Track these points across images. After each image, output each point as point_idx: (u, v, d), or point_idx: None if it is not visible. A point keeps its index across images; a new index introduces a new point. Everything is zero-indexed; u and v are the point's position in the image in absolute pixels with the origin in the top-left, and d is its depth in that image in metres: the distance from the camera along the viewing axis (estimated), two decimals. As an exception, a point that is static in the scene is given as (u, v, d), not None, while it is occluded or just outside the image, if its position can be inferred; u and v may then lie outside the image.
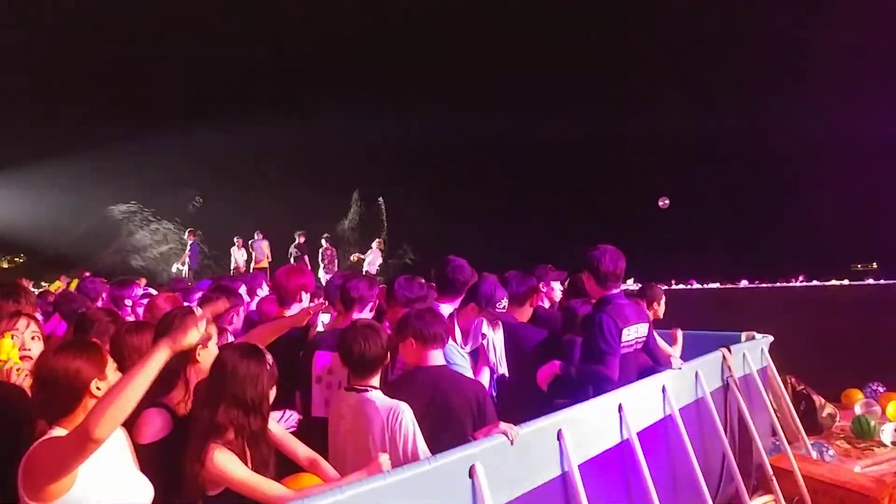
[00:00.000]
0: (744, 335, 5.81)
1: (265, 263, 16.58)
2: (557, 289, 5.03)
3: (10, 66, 23.14)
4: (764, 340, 5.65)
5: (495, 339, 3.44)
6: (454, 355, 3.08)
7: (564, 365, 3.43)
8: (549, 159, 27.87)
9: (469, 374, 3.12)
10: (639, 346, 3.75)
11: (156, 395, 2.36)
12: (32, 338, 2.76)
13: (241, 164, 25.43)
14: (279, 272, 3.76)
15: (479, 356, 3.39)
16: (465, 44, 26.74)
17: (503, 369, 3.44)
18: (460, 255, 3.61)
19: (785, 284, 13.23)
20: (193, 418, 2.28)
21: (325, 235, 17.30)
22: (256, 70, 26.77)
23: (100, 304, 5.51)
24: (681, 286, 13.75)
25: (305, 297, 3.61)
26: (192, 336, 2.01)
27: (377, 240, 18.07)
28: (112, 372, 2.05)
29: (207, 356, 2.44)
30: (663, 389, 3.66)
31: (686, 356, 5.28)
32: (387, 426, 2.47)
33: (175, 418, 2.39)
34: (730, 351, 4.75)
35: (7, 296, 3.29)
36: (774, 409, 5.52)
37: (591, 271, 3.62)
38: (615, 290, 3.65)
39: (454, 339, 3.27)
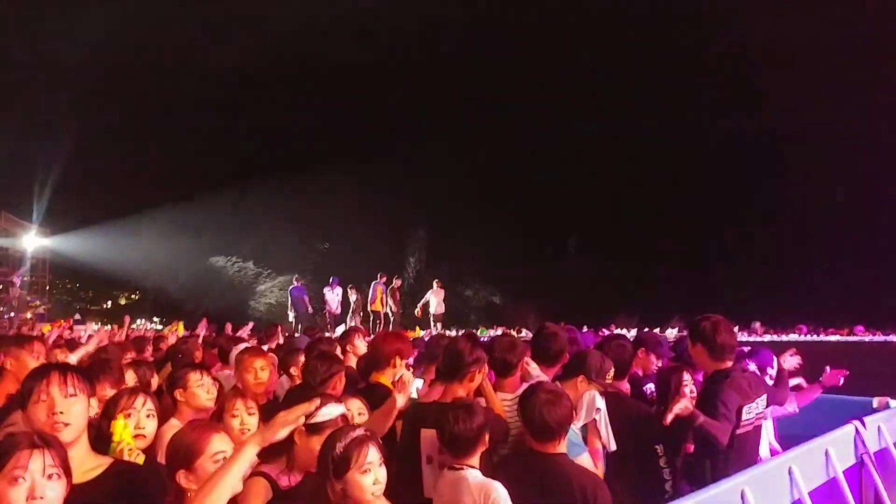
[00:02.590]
0: (875, 401, 5.25)
1: (378, 306, 16.67)
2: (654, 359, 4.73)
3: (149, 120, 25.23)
4: (901, 409, 5.05)
5: (605, 413, 3.23)
6: (570, 433, 2.93)
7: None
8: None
9: (584, 452, 3.00)
10: (759, 423, 3.45)
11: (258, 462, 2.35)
12: (148, 416, 2.79)
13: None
14: (379, 334, 3.75)
15: (588, 431, 3.18)
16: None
17: (613, 445, 3.21)
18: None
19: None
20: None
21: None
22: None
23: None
24: (784, 336, 12.73)
25: (400, 363, 3.54)
26: (282, 433, 1.98)
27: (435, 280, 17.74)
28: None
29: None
30: (790, 471, 3.28)
31: (808, 425, 4.85)
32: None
33: (276, 489, 2.37)
34: (863, 423, 4.25)
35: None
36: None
37: (704, 343, 3.38)
38: (730, 363, 3.38)
39: None
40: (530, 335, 3.78)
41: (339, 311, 17.03)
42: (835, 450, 3.79)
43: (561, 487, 2.54)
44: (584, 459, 3.02)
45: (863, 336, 12.56)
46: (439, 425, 2.64)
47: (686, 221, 26.16)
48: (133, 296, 40.40)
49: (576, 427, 3.10)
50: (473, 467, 2.56)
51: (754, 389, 3.41)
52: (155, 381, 4.12)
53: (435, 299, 17.06)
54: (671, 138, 25.15)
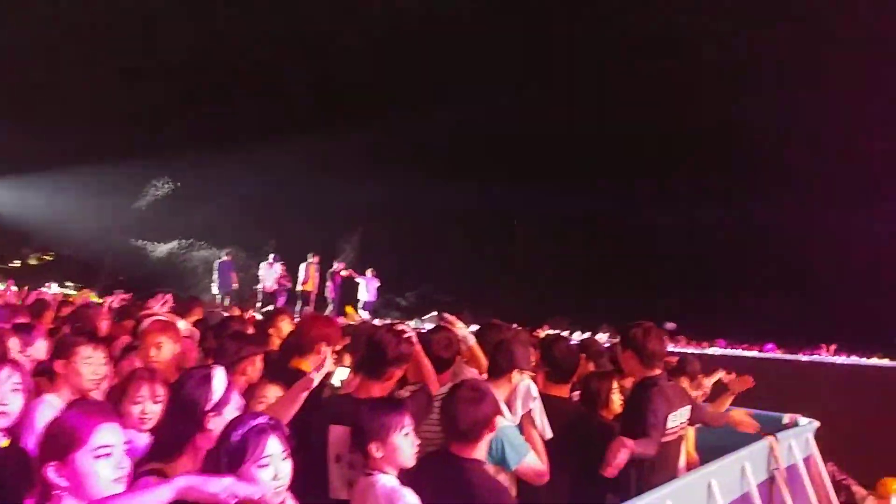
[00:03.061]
0: (786, 417, 5.42)
1: (311, 286, 16.18)
2: None
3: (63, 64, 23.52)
4: (810, 427, 5.24)
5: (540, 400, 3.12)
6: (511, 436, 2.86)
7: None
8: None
9: (529, 452, 2.88)
10: (683, 432, 3.46)
11: (158, 462, 2.10)
12: (13, 390, 2.40)
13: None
14: (306, 317, 3.52)
15: (524, 421, 3.04)
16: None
17: (549, 433, 3.10)
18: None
19: (823, 358, 12.64)
20: None
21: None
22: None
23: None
24: (696, 349, 13.11)
25: (326, 350, 3.33)
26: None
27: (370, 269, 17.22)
28: None
29: (220, 423, 2.17)
30: (709, 486, 3.29)
31: (720, 436, 4.95)
32: None
33: None
34: (776, 439, 4.35)
35: None
36: (816, 501, 5.11)
37: (634, 349, 3.36)
38: (658, 371, 3.38)
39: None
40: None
41: (275, 288, 16.35)
42: (751, 464, 3.86)
43: (461, 499, 2.41)
44: (531, 460, 2.90)
45: (775, 353, 13.17)
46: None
47: (621, 225, 26.67)
48: (46, 256, 37.82)
49: (514, 420, 2.98)
50: (386, 473, 2.33)
51: (679, 399, 3.41)
52: (44, 350, 3.68)
53: (367, 287, 16.77)
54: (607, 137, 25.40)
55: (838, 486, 6.65)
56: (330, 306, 16.76)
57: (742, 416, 4.08)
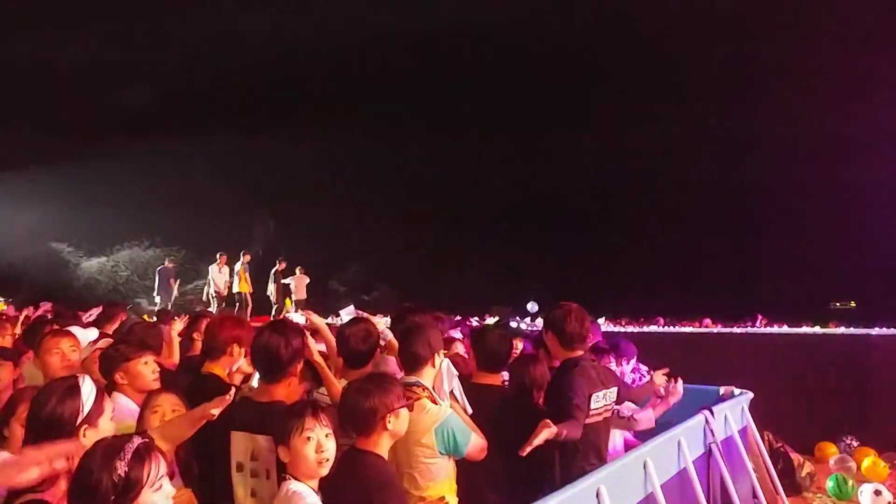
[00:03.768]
0: (722, 389, 5.47)
1: (246, 287, 15.45)
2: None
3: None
4: (744, 398, 5.30)
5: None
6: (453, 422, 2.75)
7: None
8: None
9: (472, 435, 2.78)
10: (608, 413, 3.38)
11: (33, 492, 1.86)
12: None
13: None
14: (215, 319, 3.26)
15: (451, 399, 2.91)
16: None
17: (469, 409, 2.98)
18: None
19: (756, 329, 13.02)
20: None
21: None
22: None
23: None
24: (636, 328, 13.35)
25: (239, 352, 3.10)
26: None
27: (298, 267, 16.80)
28: None
29: (96, 436, 1.94)
30: (644, 466, 3.22)
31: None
32: None
33: None
34: (712, 414, 4.36)
35: None
36: (753, 470, 5.18)
37: (555, 332, 3.30)
38: (580, 352, 3.31)
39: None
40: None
41: (226, 292, 15.58)
42: (686, 440, 3.82)
43: (356, 495, 2.26)
44: (475, 439, 2.79)
45: (711, 328, 13.50)
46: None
47: (557, 209, 26.96)
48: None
49: (445, 402, 2.84)
50: (297, 479, 2.15)
51: (604, 379, 3.33)
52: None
53: (296, 286, 16.33)
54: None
55: (776, 454, 6.84)
56: (275, 306, 16.31)
57: (663, 381, 4.02)
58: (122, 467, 1.64)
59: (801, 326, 12.32)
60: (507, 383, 3.52)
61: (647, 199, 25.42)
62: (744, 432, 5.17)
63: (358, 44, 26.00)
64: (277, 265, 16.50)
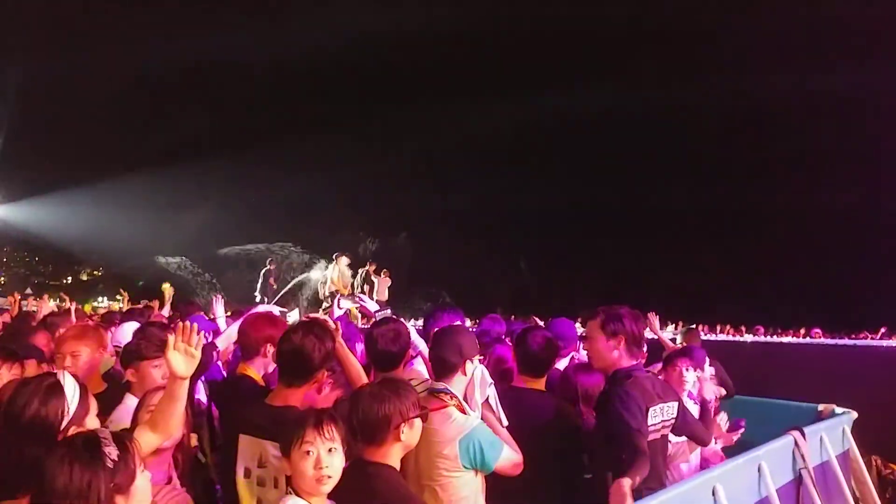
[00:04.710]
0: (821, 407, 4.89)
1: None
2: None
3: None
4: (846, 418, 4.68)
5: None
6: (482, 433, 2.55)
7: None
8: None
9: (503, 447, 2.58)
10: (667, 430, 3.01)
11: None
12: None
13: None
14: (248, 317, 3.18)
15: (484, 409, 2.70)
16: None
17: (505, 420, 2.75)
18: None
19: (867, 342, 11.81)
20: None
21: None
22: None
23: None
24: (729, 336, 12.43)
25: (272, 351, 3.01)
26: None
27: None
28: None
29: None
30: (714, 493, 2.84)
31: (748, 432, 4.47)
32: None
33: None
34: (803, 435, 3.85)
35: None
36: (857, 500, 4.57)
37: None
38: (635, 361, 2.96)
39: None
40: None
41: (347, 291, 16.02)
42: (769, 464, 3.37)
43: None
44: (507, 453, 2.59)
45: (819, 339, 12.36)
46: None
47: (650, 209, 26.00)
48: (95, 272, 38.74)
49: (476, 413, 2.64)
50: (297, 496, 1.99)
51: (661, 392, 2.97)
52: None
53: (379, 286, 16.37)
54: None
55: (885, 482, 6.08)
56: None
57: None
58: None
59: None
60: None
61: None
62: (844, 457, 4.57)
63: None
64: (368, 266, 16.82)
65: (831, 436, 4.31)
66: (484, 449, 2.51)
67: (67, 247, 28.64)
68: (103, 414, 2.76)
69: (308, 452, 1.98)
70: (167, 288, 8.14)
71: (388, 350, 2.87)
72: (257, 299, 16.87)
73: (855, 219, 22.29)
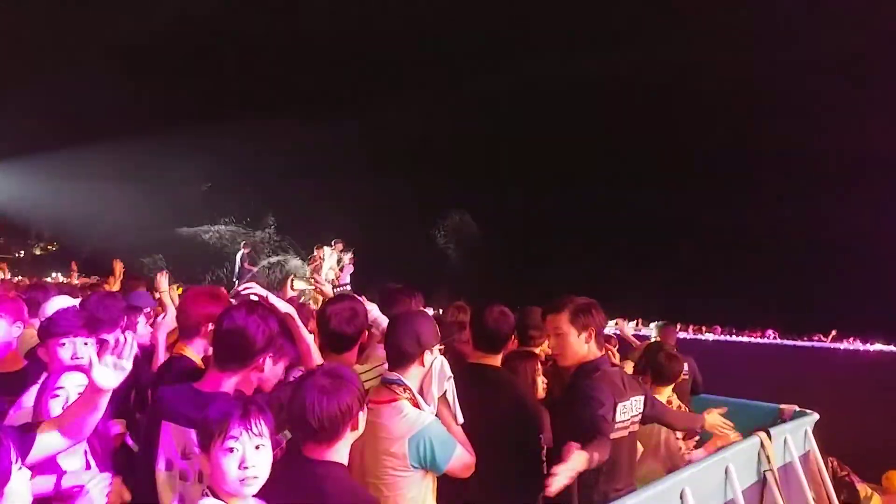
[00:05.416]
0: (782, 406, 4.84)
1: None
2: None
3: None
4: (808, 419, 4.64)
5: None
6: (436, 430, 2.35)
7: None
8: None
9: (457, 447, 2.38)
10: (635, 426, 2.87)
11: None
12: None
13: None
14: (188, 294, 2.88)
15: (439, 404, 2.48)
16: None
17: (461, 418, 2.55)
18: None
19: (825, 344, 12.01)
20: None
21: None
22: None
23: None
24: (689, 335, 12.48)
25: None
26: None
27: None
28: None
29: None
30: (682, 496, 2.69)
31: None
32: None
33: None
34: (769, 436, 3.75)
35: None
36: (814, 501, 4.53)
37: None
38: (600, 353, 2.83)
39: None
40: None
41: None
42: (735, 465, 3.26)
43: None
44: (459, 453, 2.38)
45: (774, 340, 12.56)
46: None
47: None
48: (50, 247, 37.30)
49: (432, 408, 2.42)
50: (215, 497, 1.74)
51: (629, 387, 2.83)
52: None
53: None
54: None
55: (840, 483, 6.14)
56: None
57: (718, 421, 3.46)
58: None
59: (875, 343, 11.27)
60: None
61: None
62: (805, 458, 4.52)
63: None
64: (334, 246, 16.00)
65: (795, 437, 4.25)
66: (435, 448, 2.30)
67: (21, 220, 27.33)
68: (11, 394, 2.48)
69: (232, 450, 1.71)
70: (118, 264, 8.03)
71: (340, 331, 2.60)
72: (235, 283, 16.32)
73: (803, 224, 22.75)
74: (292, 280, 4.51)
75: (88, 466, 2.10)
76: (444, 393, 2.47)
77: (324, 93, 26.31)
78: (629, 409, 2.75)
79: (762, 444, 3.68)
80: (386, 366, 2.49)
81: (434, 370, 2.42)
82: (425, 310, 3.21)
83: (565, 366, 2.87)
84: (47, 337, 2.63)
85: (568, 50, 25.23)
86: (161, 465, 2.09)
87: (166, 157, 23.96)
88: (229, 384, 2.17)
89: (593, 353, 2.77)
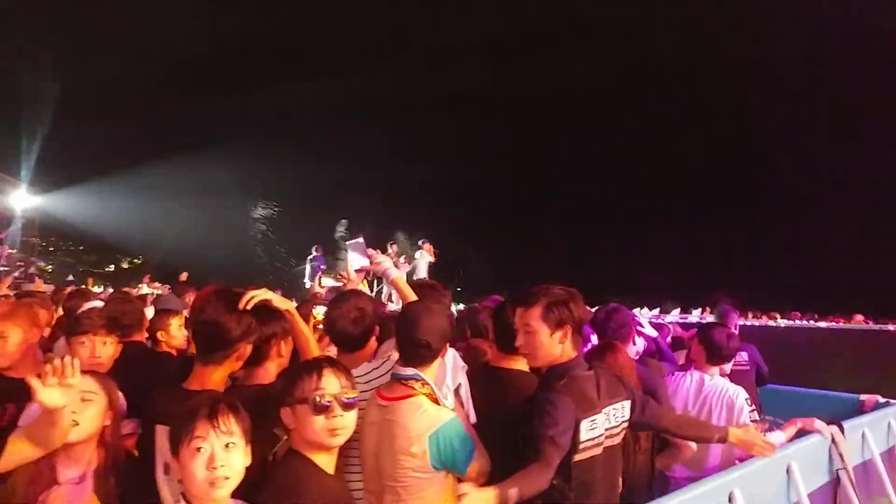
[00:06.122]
0: (863, 397, 4.40)
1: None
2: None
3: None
4: (893, 410, 4.17)
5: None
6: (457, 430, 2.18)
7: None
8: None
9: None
10: (617, 438, 2.42)
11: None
12: None
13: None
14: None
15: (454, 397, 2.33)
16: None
17: (473, 416, 2.39)
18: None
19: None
20: None
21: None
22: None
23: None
24: (763, 321, 11.76)
25: None
26: None
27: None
28: None
29: None
30: (730, 499, 2.42)
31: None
32: None
33: None
34: (842, 430, 3.37)
35: None
36: (901, 501, 4.08)
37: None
38: (577, 353, 2.42)
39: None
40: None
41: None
42: (800, 464, 2.93)
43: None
44: (478, 458, 2.18)
45: (862, 325, 11.63)
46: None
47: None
48: (136, 260, 39.70)
49: (449, 402, 2.25)
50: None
51: (607, 393, 2.38)
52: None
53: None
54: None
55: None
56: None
57: (749, 436, 2.75)
58: None
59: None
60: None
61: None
62: (889, 454, 4.08)
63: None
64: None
65: (875, 430, 3.81)
66: (455, 447, 2.12)
67: (107, 236, 29.10)
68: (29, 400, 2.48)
69: (199, 449, 1.64)
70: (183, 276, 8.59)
71: (347, 332, 2.51)
72: (307, 286, 16.86)
73: None
74: (320, 278, 4.47)
75: (82, 479, 2.05)
76: (458, 388, 2.30)
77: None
78: (603, 423, 2.32)
79: (833, 440, 3.31)
80: (393, 359, 2.34)
81: (447, 361, 2.26)
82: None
83: (536, 367, 2.52)
84: (70, 335, 2.79)
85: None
86: (160, 470, 2.05)
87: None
88: (216, 379, 2.11)
89: (567, 355, 2.37)
